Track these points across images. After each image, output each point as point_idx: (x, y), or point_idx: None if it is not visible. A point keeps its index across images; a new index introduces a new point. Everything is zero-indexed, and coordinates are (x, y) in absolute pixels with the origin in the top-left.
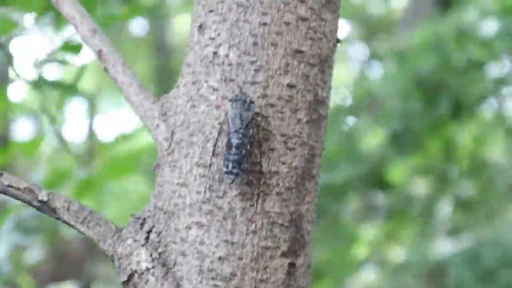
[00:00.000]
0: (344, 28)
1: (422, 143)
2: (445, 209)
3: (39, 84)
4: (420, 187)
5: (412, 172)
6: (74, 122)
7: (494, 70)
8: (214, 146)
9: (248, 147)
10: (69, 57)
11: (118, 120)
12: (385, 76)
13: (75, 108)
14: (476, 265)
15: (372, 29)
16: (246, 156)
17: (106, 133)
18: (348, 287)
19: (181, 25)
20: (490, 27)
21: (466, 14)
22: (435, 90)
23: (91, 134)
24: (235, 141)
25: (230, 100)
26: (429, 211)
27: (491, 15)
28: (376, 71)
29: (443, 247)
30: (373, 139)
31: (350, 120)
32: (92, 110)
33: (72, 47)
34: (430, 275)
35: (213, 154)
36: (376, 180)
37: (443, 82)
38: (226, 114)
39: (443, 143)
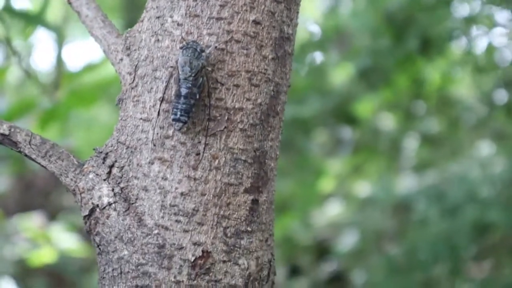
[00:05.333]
0: None
1: (390, 79)
2: (411, 144)
3: (3, 14)
4: (387, 122)
5: (379, 108)
6: (42, 51)
7: (463, 8)
8: (165, 88)
9: (198, 96)
10: None
11: (87, 49)
12: (354, 12)
13: (43, 37)
14: (441, 201)
15: None
16: (195, 105)
17: (74, 62)
18: (314, 220)
19: None
20: None
21: None
22: (404, 27)
23: (59, 63)
24: (184, 90)
25: (181, 48)
26: (395, 146)
27: None
28: (345, 6)
29: (409, 182)
30: (341, 74)
31: (318, 55)
32: (60, 39)
33: None
34: (396, 210)
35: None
36: (344, 115)
37: (412, 19)
38: (176, 62)
39: (411, 79)
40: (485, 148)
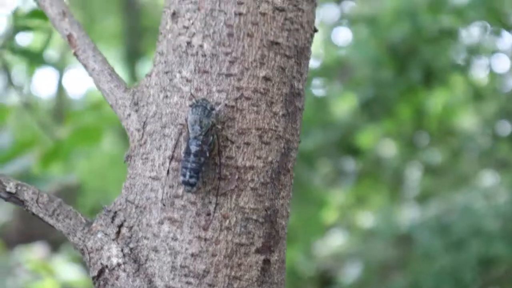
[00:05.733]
0: None
1: (393, 109)
2: (414, 175)
3: (4, 52)
4: (390, 151)
5: (382, 138)
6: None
7: (466, 38)
8: (175, 146)
9: (208, 154)
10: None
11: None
12: (356, 43)
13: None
14: (444, 233)
15: None
16: (205, 164)
17: (75, 89)
18: (317, 251)
19: None
20: None
21: None
22: (406, 58)
23: (60, 91)
24: (193, 148)
25: (190, 106)
26: (398, 177)
27: None
28: (347, 36)
29: (412, 212)
30: (343, 105)
31: (320, 83)
32: (61, 69)
33: (41, 13)
34: (399, 241)
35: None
36: (346, 146)
37: (415, 50)
38: (186, 119)
39: (413, 110)
40: (489, 178)
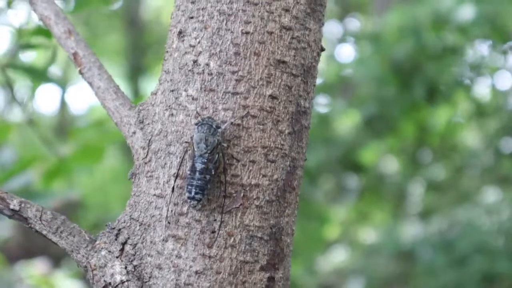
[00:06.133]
0: None
1: (396, 126)
2: (417, 191)
3: (6, 69)
4: (393, 169)
5: (385, 154)
6: (46, 93)
7: (470, 55)
8: (180, 164)
9: (213, 172)
10: (41, 40)
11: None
12: (360, 60)
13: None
14: (447, 250)
15: (346, 7)
16: (211, 181)
17: (78, 105)
18: (319, 266)
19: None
20: (466, 12)
21: None
22: (410, 74)
23: (63, 107)
24: (199, 165)
25: (196, 124)
26: (401, 193)
27: (467, 0)
28: (350, 52)
29: (415, 228)
30: (347, 122)
31: (323, 99)
32: (63, 85)
33: (45, 31)
34: (401, 257)
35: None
36: (349, 162)
37: (419, 67)
38: (191, 138)
39: (416, 126)
40: (491, 194)
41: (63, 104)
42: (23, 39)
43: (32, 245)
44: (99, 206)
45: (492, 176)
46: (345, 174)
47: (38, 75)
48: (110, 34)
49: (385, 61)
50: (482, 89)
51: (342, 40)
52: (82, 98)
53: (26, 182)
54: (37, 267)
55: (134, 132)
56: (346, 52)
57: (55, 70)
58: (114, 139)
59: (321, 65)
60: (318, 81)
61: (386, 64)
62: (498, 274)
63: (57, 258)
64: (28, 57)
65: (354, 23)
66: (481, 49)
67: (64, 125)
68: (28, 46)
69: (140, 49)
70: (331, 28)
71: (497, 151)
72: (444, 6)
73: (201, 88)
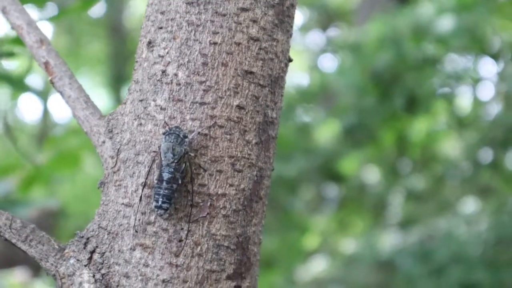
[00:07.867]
0: (300, 16)
1: (376, 136)
2: (397, 201)
3: None
4: (373, 179)
5: (365, 164)
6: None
7: (449, 66)
8: (148, 173)
9: (180, 181)
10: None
11: None
12: (340, 69)
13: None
14: (426, 259)
15: (329, 17)
16: (178, 190)
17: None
18: (298, 276)
19: (137, 7)
20: (446, 23)
21: (422, 10)
22: (390, 85)
23: (45, 115)
24: (166, 175)
25: (164, 133)
26: (381, 203)
27: (447, 11)
28: (331, 62)
29: (394, 238)
30: (326, 131)
31: (305, 108)
32: (47, 90)
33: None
34: (381, 267)
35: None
36: (329, 172)
37: (399, 77)
38: (159, 147)
39: (396, 136)
40: (471, 204)
41: (45, 112)
42: (1, 48)
43: (13, 255)
44: (80, 214)
45: (472, 187)
46: (325, 184)
47: (16, 84)
48: (93, 42)
49: (365, 71)
50: (462, 100)
51: (324, 50)
52: (65, 107)
53: (6, 190)
54: (17, 276)
55: (104, 142)
56: (328, 62)
57: (35, 79)
58: (91, 147)
59: (304, 74)
60: (300, 89)
61: (367, 74)
62: (476, 284)
63: (38, 268)
64: (7, 66)
65: (337, 32)
66: (461, 59)
67: (46, 133)
68: (5, 55)
69: (123, 57)
70: (314, 38)
71: (476, 162)
72: (424, 17)
73: (169, 98)
